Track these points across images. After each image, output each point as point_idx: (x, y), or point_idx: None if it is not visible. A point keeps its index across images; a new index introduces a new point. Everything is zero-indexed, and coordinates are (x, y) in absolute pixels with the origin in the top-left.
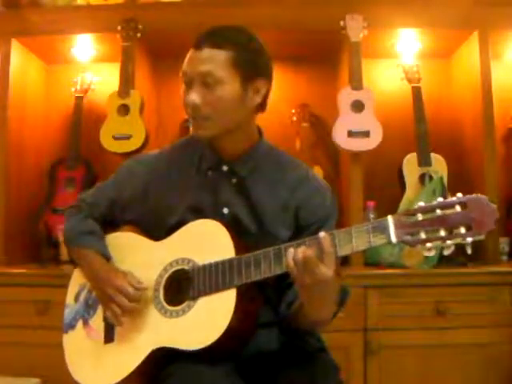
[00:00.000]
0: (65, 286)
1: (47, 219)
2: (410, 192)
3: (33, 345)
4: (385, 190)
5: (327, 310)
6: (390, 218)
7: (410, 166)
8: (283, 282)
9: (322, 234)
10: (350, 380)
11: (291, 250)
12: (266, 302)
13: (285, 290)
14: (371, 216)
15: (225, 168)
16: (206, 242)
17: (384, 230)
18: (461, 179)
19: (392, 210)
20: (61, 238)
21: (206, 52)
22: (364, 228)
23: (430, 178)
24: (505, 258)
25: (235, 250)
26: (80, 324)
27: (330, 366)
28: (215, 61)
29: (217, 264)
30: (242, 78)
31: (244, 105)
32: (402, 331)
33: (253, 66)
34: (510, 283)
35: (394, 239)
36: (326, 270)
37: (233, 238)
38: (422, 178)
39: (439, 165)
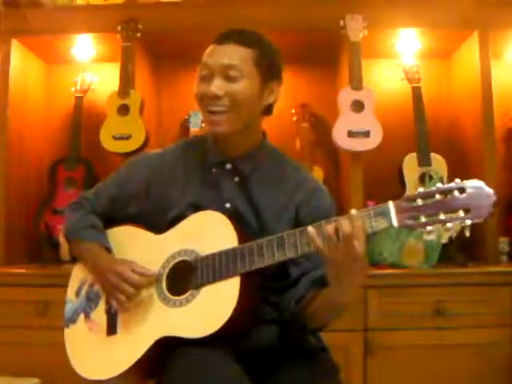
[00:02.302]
0: (65, 286)
1: (47, 219)
2: (409, 192)
3: (33, 345)
4: (385, 189)
5: (352, 291)
6: (390, 203)
7: (410, 166)
8: (285, 280)
9: (353, 211)
10: (350, 380)
11: (323, 226)
12: (266, 300)
13: (288, 288)
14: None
15: (228, 166)
16: (208, 232)
17: (385, 214)
18: (461, 179)
19: None
20: (61, 238)
21: (231, 47)
22: (365, 213)
23: (430, 177)
24: (505, 258)
25: (238, 241)
26: (81, 318)
27: (330, 365)
28: (239, 56)
29: (220, 253)
30: (261, 77)
31: (259, 103)
32: (402, 331)
33: (271, 69)
34: (510, 283)
35: (395, 223)
36: (358, 245)
37: (236, 228)
38: (421, 177)
39: (439, 165)
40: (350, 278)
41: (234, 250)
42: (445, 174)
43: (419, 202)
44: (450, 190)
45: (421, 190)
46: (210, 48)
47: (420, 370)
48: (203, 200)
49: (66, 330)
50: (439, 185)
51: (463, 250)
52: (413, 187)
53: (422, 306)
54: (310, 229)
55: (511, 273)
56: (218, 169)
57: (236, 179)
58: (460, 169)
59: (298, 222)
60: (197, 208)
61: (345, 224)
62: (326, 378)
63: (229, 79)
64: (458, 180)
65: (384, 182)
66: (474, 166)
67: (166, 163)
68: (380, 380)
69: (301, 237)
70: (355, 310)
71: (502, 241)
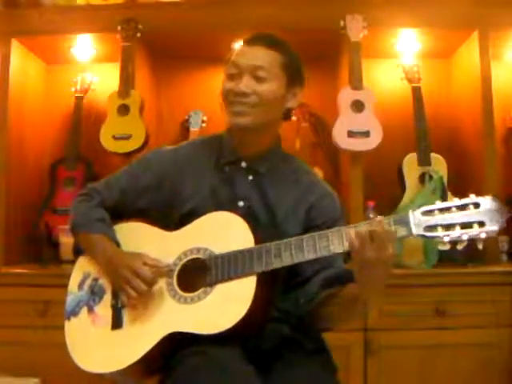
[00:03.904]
0: (65, 286)
1: (47, 219)
2: (409, 192)
3: (33, 345)
4: (385, 189)
5: (377, 293)
6: (411, 212)
7: (410, 166)
8: (296, 279)
9: (379, 217)
10: (349, 380)
11: (352, 229)
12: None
13: (298, 286)
14: (371, 216)
15: (243, 164)
16: (223, 232)
17: (405, 223)
18: (461, 179)
19: (392, 209)
20: (61, 237)
21: (261, 50)
22: (386, 221)
23: (430, 177)
24: (504, 256)
25: (255, 243)
26: (84, 311)
27: (328, 366)
28: (269, 59)
29: (236, 252)
30: (287, 81)
31: (282, 105)
32: (401, 331)
33: (297, 74)
34: (510, 283)
35: (414, 231)
36: (390, 247)
37: (252, 230)
38: (421, 177)
39: (439, 164)
40: (375, 281)
41: (250, 250)
42: (445, 173)
43: (437, 213)
44: (466, 205)
45: (439, 203)
46: (240, 48)
47: (420, 369)
48: (216, 196)
49: (67, 323)
50: (456, 199)
51: (463, 249)
52: (413, 187)
53: (421, 306)
54: (349, 229)
55: (511, 273)
56: (233, 167)
57: (250, 177)
58: (460, 169)
59: (308, 223)
60: (210, 203)
61: (378, 227)
62: (323, 379)
63: (257, 79)
64: (473, 195)
65: (384, 182)
66: (474, 165)
67: (180, 159)
68: (380, 380)
69: (320, 240)
70: None
71: (502, 239)
